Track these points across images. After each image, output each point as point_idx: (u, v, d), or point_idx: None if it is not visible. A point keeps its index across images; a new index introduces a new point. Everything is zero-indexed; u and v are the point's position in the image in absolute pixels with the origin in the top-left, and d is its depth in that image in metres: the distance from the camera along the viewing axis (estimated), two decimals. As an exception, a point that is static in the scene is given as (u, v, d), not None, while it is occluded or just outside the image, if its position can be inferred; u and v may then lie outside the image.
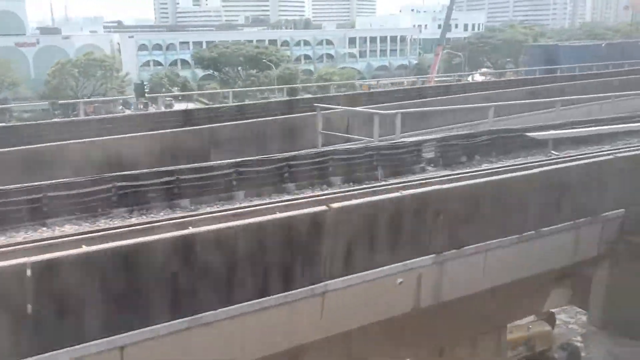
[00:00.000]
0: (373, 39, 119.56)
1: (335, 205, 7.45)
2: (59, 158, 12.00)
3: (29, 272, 5.47)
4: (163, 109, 19.62)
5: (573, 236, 10.28)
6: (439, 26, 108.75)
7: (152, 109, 48.07)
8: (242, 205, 10.01)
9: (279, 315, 7.18)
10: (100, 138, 13.19)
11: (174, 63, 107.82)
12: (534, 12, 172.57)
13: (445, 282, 8.79)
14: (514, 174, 9.58)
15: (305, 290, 7.30)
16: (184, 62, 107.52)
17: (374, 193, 9.73)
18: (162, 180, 10.42)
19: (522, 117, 18.98)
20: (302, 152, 12.51)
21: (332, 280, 7.57)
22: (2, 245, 6.94)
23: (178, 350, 6.48)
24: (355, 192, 10.53)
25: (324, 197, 10.82)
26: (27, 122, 23.13)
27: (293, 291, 7.17)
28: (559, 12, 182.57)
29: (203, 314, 6.56)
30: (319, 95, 24.64)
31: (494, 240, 9.19)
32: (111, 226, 8.49)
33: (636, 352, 11.88)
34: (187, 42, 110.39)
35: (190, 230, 6.74)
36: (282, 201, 9.60)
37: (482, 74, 73.32)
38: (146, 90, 22.14)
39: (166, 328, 6.34)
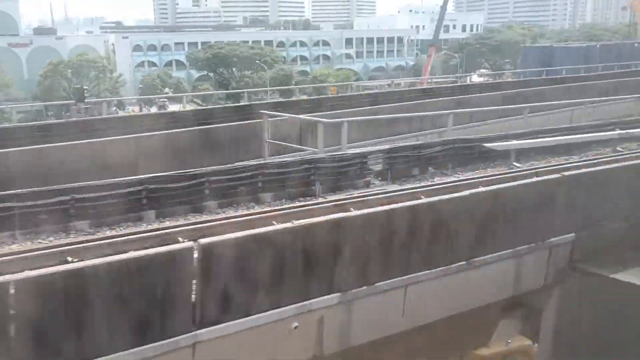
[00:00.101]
0: (370, 40, 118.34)
1: (204, 241, 6.28)
2: None
3: None
4: (105, 115, 18.48)
5: (514, 265, 9.09)
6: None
7: (121, 113, 46.95)
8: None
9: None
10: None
11: (169, 64, 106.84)
12: (534, 13, 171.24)
13: (354, 324, 7.61)
14: (432, 199, 8.33)
15: (166, 344, 6.12)
16: (179, 63, 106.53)
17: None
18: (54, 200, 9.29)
19: (490, 124, 17.76)
20: (227, 166, 11.34)
21: (204, 330, 6.40)
22: None
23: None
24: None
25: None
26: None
27: (147, 346, 5.99)
28: (559, 13, 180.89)
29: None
30: (277, 100, 23.50)
31: (417, 274, 8.01)
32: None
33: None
34: (182, 43, 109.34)
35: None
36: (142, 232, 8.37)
37: (480, 75, 72.21)
38: (87, 95, 21.00)
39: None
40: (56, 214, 9.33)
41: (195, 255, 6.20)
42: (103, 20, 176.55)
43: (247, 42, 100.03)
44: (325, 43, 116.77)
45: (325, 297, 7.26)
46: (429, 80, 63.85)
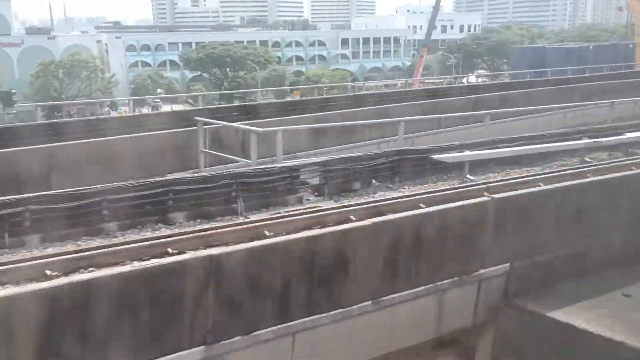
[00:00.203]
0: (366, 40, 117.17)
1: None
2: None
3: None
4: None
5: (435, 303, 7.84)
6: (435, 27, 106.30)
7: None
8: None
9: None
10: None
11: (162, 64, 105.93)
12: (534, 14, 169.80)
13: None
14: (323, 231, 7.03)
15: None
16: (173, 63, 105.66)
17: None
18: None
19: (450, 132, 16.52)
20: (131, 182, 10.12)
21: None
22: None
23: None
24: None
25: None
26: None
27: None
28: (559, 14, 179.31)
29: None
30: (221, 105, 22.27)
31: (306, 319, 6.78)
32: None
33: None
34: (177, 43, 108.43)
35: None
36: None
37: (478, 76, 71.17)
38: (15, 100, 19.83)
39: None
40: None
41: None
42: (103, 20, 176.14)
43: (242, 42, 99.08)
44: (321, 43, 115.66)
45: (185, 351, 6.04)
46: (423, 81, 62.74)
